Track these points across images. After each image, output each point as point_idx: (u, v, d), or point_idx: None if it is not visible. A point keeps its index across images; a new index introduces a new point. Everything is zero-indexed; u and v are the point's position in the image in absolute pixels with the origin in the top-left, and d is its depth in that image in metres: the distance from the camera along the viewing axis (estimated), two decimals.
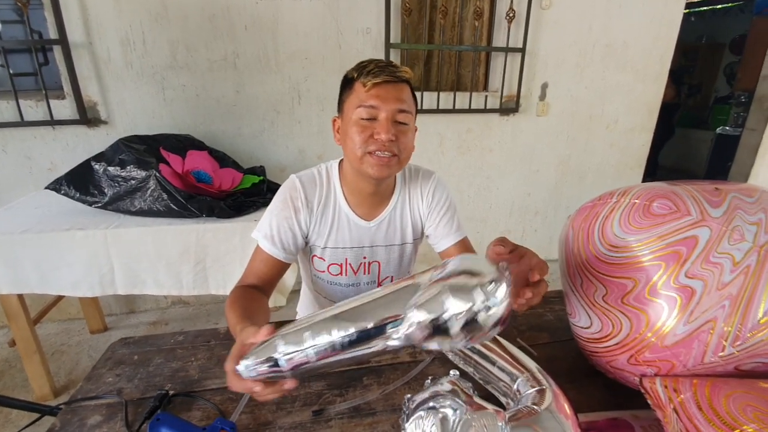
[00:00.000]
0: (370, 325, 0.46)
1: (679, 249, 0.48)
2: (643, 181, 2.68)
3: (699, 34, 6.39)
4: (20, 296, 1.46)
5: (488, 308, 0.40)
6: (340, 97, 0.81)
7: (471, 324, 0.40)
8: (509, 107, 2.25)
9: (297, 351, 0.48)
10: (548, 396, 0.48)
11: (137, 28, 1.75)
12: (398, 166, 0.78)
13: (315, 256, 0.88)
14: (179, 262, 1.48)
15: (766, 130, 2.94)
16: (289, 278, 1.54)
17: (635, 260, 0.51)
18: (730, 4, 5.83)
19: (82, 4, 1.69)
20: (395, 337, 0.45)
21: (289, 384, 0.50)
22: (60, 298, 1.79)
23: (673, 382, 0.46)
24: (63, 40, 1.69)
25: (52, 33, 1.71)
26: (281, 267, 0.84)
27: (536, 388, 0.49)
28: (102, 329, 2.01)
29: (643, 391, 0.50)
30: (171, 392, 0.61)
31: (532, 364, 0.55)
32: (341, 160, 0.87)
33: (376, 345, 0.46)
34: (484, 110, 2.24)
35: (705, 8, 6.34)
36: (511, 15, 2.05)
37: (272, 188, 1.70)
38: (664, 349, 0.49)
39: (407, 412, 0.48)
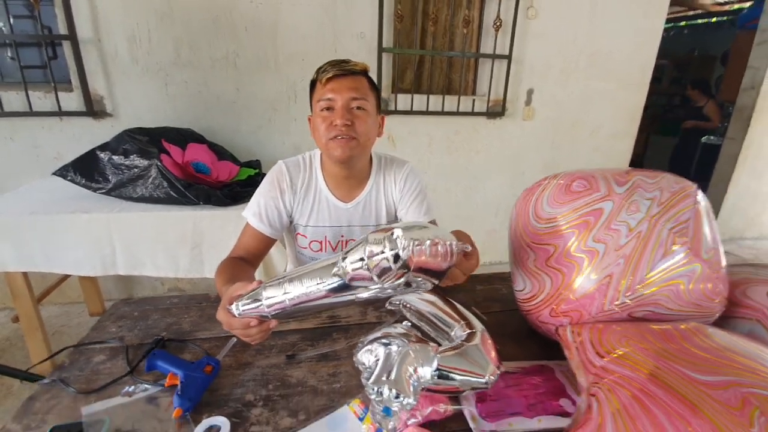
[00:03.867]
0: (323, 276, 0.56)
1: (588, 219, 0.59)
2: None
3: (691, 47, 6.55)
4: (25, 275, 1.55)
5: (395, 253, 0.48)
6: (310, 97, 0.92)
7: (382, 264, 0.49)
8: (495, 111, 2.36)
9: (275, 296, 0.59)
10: (477, 336, 0.58)
11: (144, 26, 1.86)
12: (359, 148, 0.87)
13: (298, 233, 0.99)
14: (176, 246, 1.57)
15: (746, 140, 3.06)
16: (279, 264, 1.63)
17: (556, 229, 0.62)
18: (724, 18, 5.98)
19: (92, 2, 1.79)
20: (337, 281, 0.55)
21: (273, 324, 0.61)
22: (62, 280, 1.88)
23: (578, 328, 0.56)
24: (72, 36, 1.79)
25: (62, 29, 1.82)
26: (267, 242, 0.94)
27: (468, 331, 0.59)
28: (101, 312, 2.10)
29: (558, 338, 0.60)
30: (166, 338, 0.70)
31: (472, 318, 0.65)
32: None
33: (338, 287, 0.56)
34: (472, 113, 2.34)
35: (699, 21, 6.50)
36: (498, 24, 2.16)
37: None
38: (575, 301, 0.59)
39: (361, 347, 0.58)
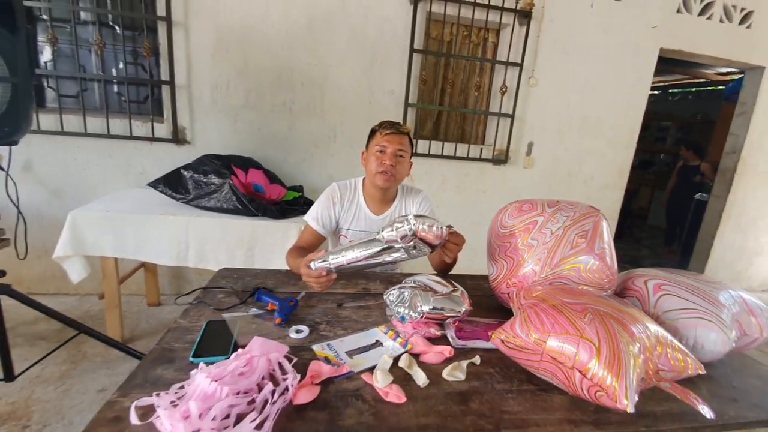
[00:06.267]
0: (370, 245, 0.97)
1: (529, 226, 0.97)
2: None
3: (694, 112, 7.01)
4: (116, 260, 1.98)
5: (411, 227, 0.89)
6: (368, 140, 1.35)
7: (404, 236, 0.90)
8: (499, 159, 2.79)
9: (337, 258, 0.99)
10: (459, 292, 0.95)
11: (225, 78, 2.39)
12: (395, 182, 1.30)
13: (341, 235, 1.39)
14: (235, 247, 1.99)
15: (729, 199, 3.39)
16: None
17: (512, 233, 1.00)
18: (714, 87, 6.49)
19: (188, 57, 2.35)
20: (381, 246, 0.95)
21: (334, 276, 1.00)
22: (135, 270, 2.31)
23: (519, 291, 0.93)
24: (172, 83, 2.33)
25: (164, 75, 2.36)
26: (320, 238, 1.35)
27: (453, 289, 0.96)
28: (157, 303, 2.50)
29: (510, 299, 0.96)
30: (261, 287, 1.10)
31: (459, 286, 1.02)
32: (364, 177, 1.40)
33: (375, 252, 0.96)
34: (480, 159, 2.78)
35: (705, 88, 7.02)
36: (504, 90, 2.65)
37: (308, 202, 2.24)
38: (520, 276, 0.96)
39: (389, 290, 0.96)
